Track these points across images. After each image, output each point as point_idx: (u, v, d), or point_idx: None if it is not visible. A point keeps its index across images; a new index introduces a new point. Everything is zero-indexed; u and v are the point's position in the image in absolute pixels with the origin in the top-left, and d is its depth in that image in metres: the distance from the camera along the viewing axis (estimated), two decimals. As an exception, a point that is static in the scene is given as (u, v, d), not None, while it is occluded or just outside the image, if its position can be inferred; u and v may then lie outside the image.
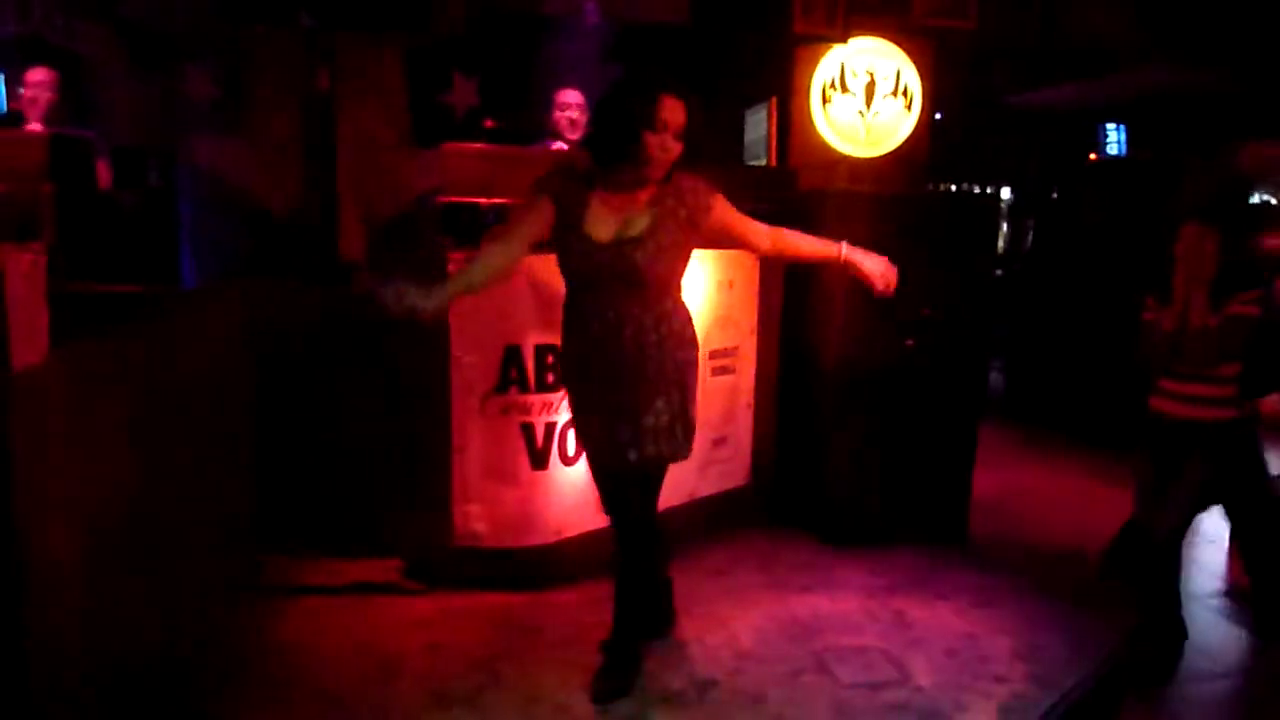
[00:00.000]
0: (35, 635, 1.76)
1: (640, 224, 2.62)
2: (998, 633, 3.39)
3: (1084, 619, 3.52)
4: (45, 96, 3.85)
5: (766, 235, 2.88)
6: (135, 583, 2.32)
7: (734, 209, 2.78)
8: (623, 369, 2.65)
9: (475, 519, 3.50)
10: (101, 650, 2.11)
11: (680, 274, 2.75)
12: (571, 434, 3.55)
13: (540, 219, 2.65)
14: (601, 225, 2.63)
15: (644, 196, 2.65)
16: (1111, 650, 3.28)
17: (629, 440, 2.69)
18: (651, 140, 2.53)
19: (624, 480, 2.81)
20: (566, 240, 2.66)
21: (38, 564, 1.76)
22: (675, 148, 2.57)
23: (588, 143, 2.74)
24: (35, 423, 1.75)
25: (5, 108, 4.31)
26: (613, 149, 2.59)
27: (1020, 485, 5.30)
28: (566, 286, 2.76)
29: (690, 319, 2.81)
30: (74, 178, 3.39)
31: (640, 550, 2.90)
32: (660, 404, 2.69)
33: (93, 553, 2.05)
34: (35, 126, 3.89)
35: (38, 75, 3.84)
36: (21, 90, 3.86)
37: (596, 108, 2.73)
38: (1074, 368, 6.76)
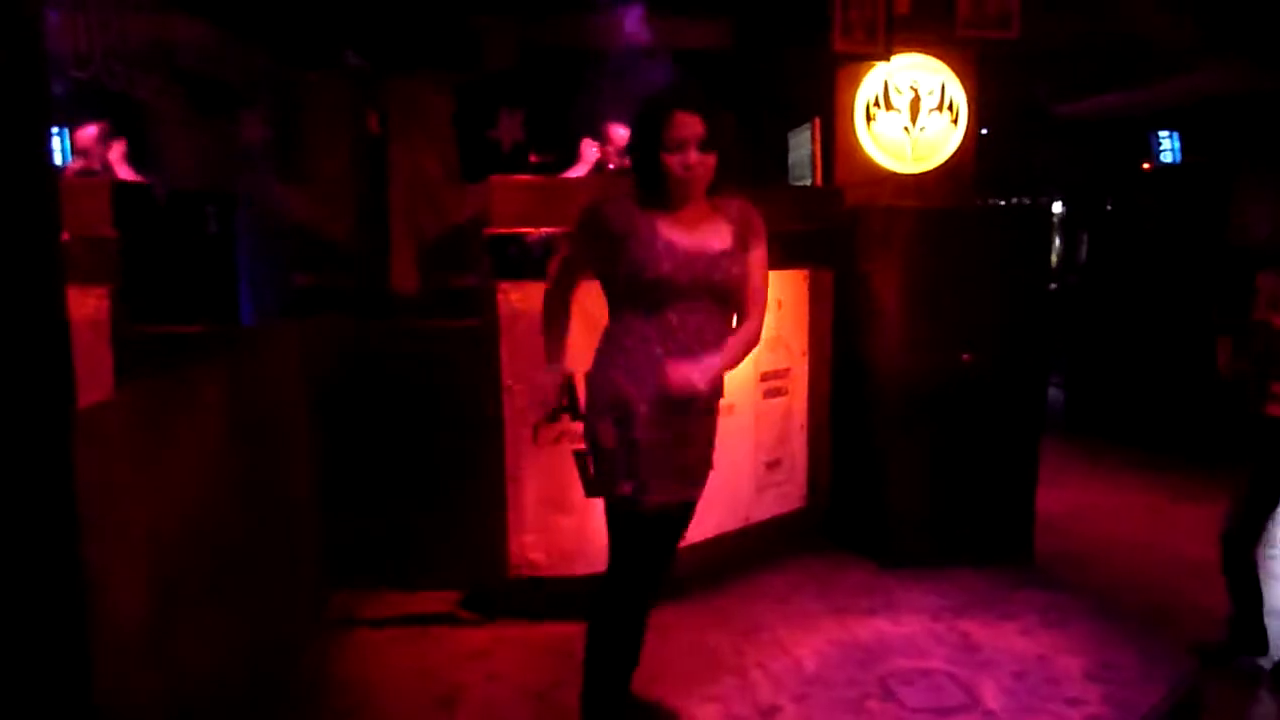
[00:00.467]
0: (102, 668, 1.79)
1: (723, 236, 2.48)
2: (1068, 653, 3.29)
3: (1157, 637, 3.41)
4: (99, 151, 3.96)
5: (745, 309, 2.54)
6: (203, 617, 2.36)
7: (765, 264, 2.58)
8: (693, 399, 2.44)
9: (531, 548, 3.51)
10: (170, 685, 2.14)
11: None
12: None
13: (583, 261, 2.58)
14: (682, 235, 2.45)
15: (706, 212, 2.50)
16: (1188, 669, 3.17)
17: (690, 476, 2.54)
18: (671, 160, 2.40)
19: (671, 521, 2.59)
20: (632, 255, 2.43)
21: (105, 598, 1.79)
22: (702, 160, 2.41)
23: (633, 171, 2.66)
24: (100, 459, 1.79)
25: (69, 159, 4.46)
26: (643, 175, 2.49)
27: (1084, 502, 5.17)
28: (622, 308, 2.53)
29: None
30: (136, 223, 3.49)
31: (649, 602, 2.68)
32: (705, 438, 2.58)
33: (160, 587, 2.08)
34: (126, 172, 4.00)
35: (85, 138, 3.94)
36: (83, 155, 3.96)
37: (628, 137, 2.67)
38: (1136, 380, 6.60)
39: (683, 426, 2.48)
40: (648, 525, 2.51)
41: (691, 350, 2.41)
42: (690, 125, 2.39)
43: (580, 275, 2.63)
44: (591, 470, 2.54)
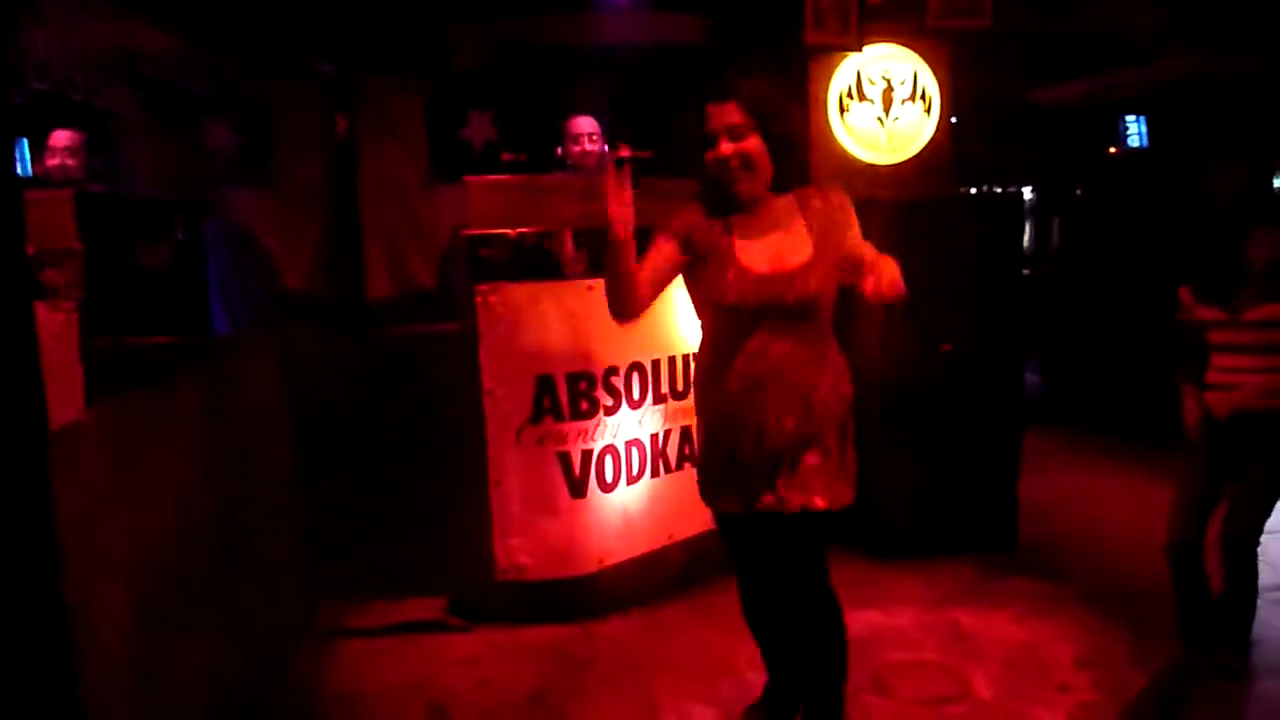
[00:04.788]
0: (88, 697, 1.75)
1: (801, 243, 2.37)
2: (1057, 640, 3.31)
3: (1144, 622, 3.43)
4: (73, 161, 3.89)
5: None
6: (188, 637, 2.31)
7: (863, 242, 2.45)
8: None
9: (517, 552, 3.47)
10: (158, 700, 2.09)
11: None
12: (609, 460, 3.53)
13: (661, 258, 2.39)
14: (756, 253, 2.35)
15: (781, 213, 2.39)
16: (1178, 652, 3.18)
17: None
18: (707, 158, 2.32)
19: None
20: (709, 279, 2.37)
21: (87, 618, 1.74)
22: (737, 148, 2.27)
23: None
24: (76, 481, 1.74)
25: (30, 171, 4.36)
26: (704, 182, 2.40)
27: (1066, 488, 5.19)
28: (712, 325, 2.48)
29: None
30: (102, 235, 3.42)
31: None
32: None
33: (143, 605, 2.04)
34: (98, 188, 3.93)
35: (62, 139, 3.88)
36: (46, 155, 3.89)
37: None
38: (1111, 365, 6.64)
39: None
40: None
41: (784, 374, 2.34)
42: (718, 116, 2.28)
43: (646, 270, 2.37)
44: None
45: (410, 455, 3.52)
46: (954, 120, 4.67)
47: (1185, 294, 3.21)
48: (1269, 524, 3.11)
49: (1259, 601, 3.29)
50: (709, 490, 2.52)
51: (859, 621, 3.44)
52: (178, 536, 2.27)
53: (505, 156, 5.67)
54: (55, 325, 3.22)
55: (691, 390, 2.54)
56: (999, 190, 10.20)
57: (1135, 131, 9.46)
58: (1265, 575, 3.89)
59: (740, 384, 2.35)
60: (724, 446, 2.42)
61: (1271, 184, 7.35)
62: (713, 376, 2.44)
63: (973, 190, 10.24)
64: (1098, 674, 3.07)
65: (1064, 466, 5.64)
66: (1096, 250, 7.21)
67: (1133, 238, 6.77)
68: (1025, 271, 9.38)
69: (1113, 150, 9.10)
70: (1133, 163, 8.20)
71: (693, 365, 2.55)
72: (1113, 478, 5.43)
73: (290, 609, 3.32)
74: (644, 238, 3.27)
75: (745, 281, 2.32)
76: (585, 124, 4.44)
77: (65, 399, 2.99)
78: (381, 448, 3.53)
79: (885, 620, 3.47)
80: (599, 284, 3.43)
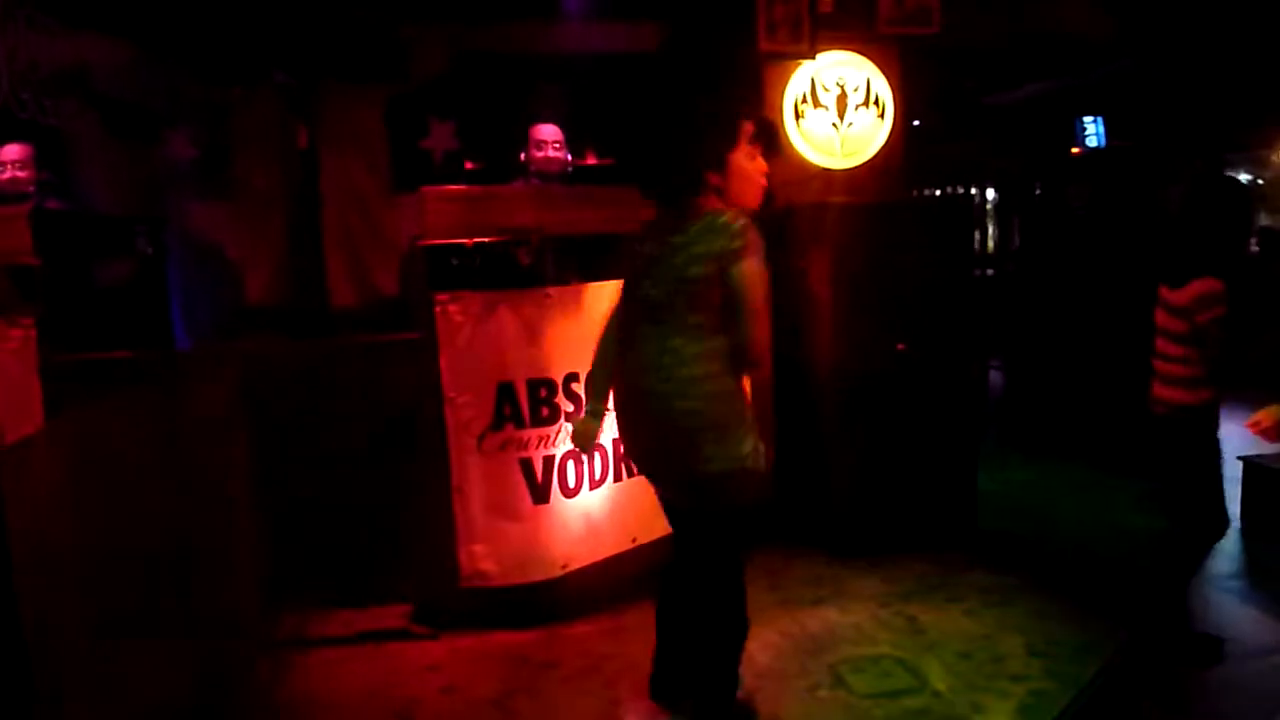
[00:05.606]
0: (42, 709, 1.76)
1: None
2: (1011, 631, 3.38)
3: (1097, 611, 3.51)
4: (24, 174, 3.87)
5: None
6: (143, 647, 2.32)
7: None
8: None
9: (481, 558, 3.50)
10: (112, 711, 2.11)
11: None
12: (571, 465, 3.57)
13: None
14: None
15: None
16: (1127, 640, 3.26)
17: None
18: (761, 172, 2.68)
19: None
20: None
21: (42, 634, 1.76)
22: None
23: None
24: (31, 495, 1.76)
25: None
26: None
27: (1026, 482, 5.29)
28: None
29: None
30: (59, 251, 3.42)
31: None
32: None
33: (97, 615, 2.05)
34: (55, 204, 3.92)
35: (12, 153, 3.86)
36: None
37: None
38: (1072, 362, 6.74)
39: None
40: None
41: None
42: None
43: None
44: None
45: (374, 464, 3.53)
46: (916, 124, 4.75)
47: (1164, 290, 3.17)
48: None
49: (1212, 590, 3.38)
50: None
51: (817, 619, 3.53)
52: (133, 547, 2.28)
53: (467, 165, 5.71)
54: (13, 342, 3.23)
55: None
56: (958, 191, 10.35)
57: (1094, 131, 9.63)
58: (1219, 564, 4.03)
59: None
60: None
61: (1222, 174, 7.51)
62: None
63: (936, 192, 10.40)
64: (1050, 663, 3.14)
65: (1022, 462, 5.75)
66: (1055, 250, 7.32)
67: (1091, 237, 6.88)
68: (988, 271, 9.55)
69: (1075, 150, 9.26)
70: (1090, 163, 8.34)
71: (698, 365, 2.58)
72: (1069, 471, 5.54)
73: (249, 618, 3.33)
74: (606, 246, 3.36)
75: None
76: (548, 131, 4.50)
77: (24, 414, 3.00)
78: (344, 456, 3.54)
79: (843, 617, 3.53)
80: (557, 292, 3.52)
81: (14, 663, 1.69)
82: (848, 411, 4.11)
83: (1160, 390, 3.17)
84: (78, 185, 4.20)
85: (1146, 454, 3.26)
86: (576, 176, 4.86)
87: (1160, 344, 3.17)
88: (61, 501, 1.95)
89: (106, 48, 3.96)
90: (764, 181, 2.62)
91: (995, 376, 7.54)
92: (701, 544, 2.67)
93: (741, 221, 2.44)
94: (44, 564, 1.82)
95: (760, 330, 2.45)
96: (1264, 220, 9.52)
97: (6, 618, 1.68)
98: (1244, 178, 9.30)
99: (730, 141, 2.54)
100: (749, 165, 2.58)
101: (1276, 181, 10.86)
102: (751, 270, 2.42)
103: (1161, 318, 3.15)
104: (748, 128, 2.58)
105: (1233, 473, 3.81)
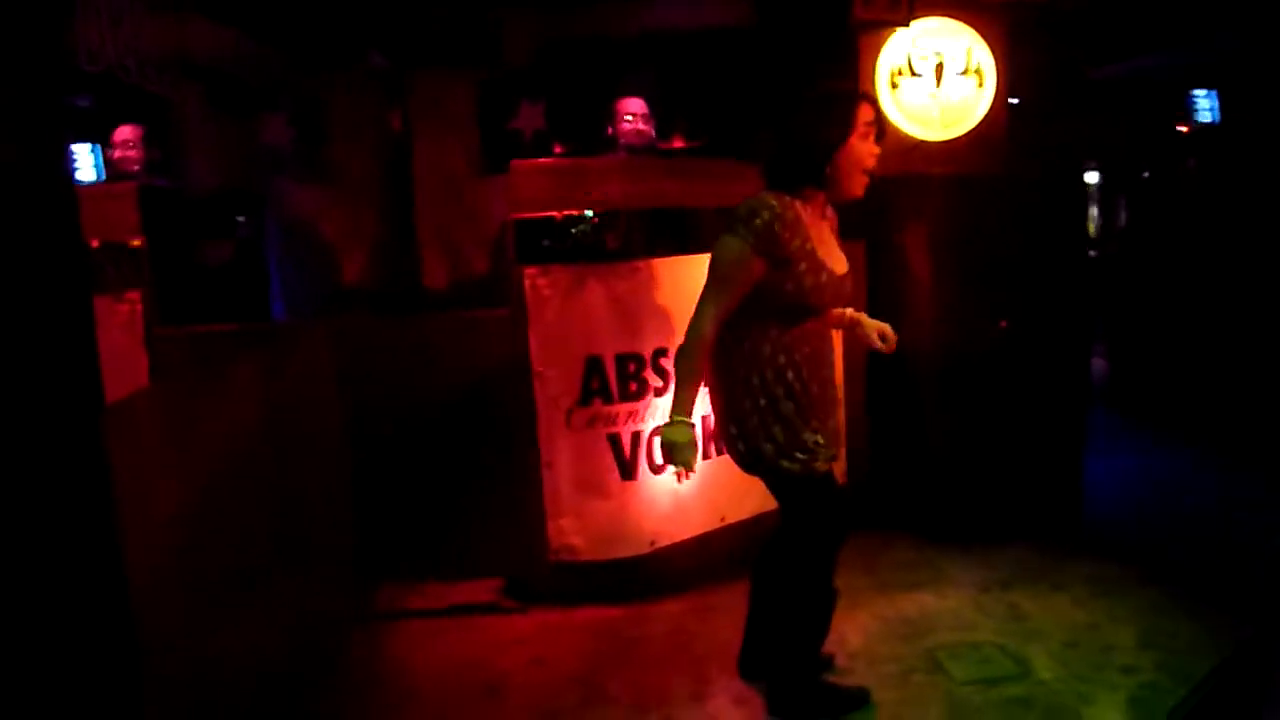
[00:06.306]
0: (149, 662, 1.80)
1: (840, 253, 2.59)
2: (1120, 621, 3.22)
3: (1216, 605, 3.32)
4: (133, 154, 4.01)
5: None
6: (240, 612, 2.37)
7: None
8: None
9: (569, 533, 3.49)
10: (211, 678, 2.15)
11: None
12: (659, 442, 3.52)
13: (747, 284, 2.43)
14: (828, 256, 2.50)
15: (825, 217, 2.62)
16: (1252, 636, 3.07)
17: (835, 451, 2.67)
18: (868, 155, 2.51)
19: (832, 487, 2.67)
20: (800, 284, 2.43)
21: (142, 591, 1.80)
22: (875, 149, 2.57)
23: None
24: (131, 453, 1.80)
25: (104, 176, 4.52)
26: (817, 177, 2.50)
27: (1132, 470, 5.05)
28: (781, 316, 2.49)
29: None
30: (164, 228, 3.53)
31: None
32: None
33: (197, 580, 2.09)
34: (162, 182, 4.07)
35: (124, 133, 4.01)
36: (111, 151, 4.02)
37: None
38: (1180, 351, 6.43)
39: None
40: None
41: (828, 356, 2.60)
42: (866, 114, 2.46)
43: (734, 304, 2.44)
44: None
45: (464, 439, 3.56)
46: (1015, 101, 4.56)
47: None
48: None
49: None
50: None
51: (913, 603, 3.42)
52: (232, 512, 2.33)
53: (556, 148, 5.72)
54: (121, 316, 3.36)
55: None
56: (1060, 167, 9.95)
57: (1207, 106, 9.15)
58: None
59: (811, 367, 2.51)
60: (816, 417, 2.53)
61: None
62: (785, 359, 2.48)
63: (1037, 171, 10.02)
64: (1163, 656, 2.98)
65: (1129, 449, 5.49)
66: (1164, 232, 6.98)
67: (1204, 218, 6.54)
68: (1092, 252, 9.17)
69: (1184, 128, 8.81)
70: (1202, 139, 7.93)
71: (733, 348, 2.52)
72: (1178, 460, 5.27)
73: (343, 588, 3.39)
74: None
75: (832, 283, 2.48)
76: (634, 104, 4.57)
77: (130, 382, 3.11)
78: (435, 433, 3.57)
79: (940, 603, 3.41)
80: (646, 265, 3.48)
81: (120, 621, 1.73)
82: (946, 391, 3.97)
83: None
84: (182, 164, 4.34)
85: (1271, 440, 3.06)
86: (665, 160, 4.84)
87: None
88: (164, 462, 2.00)
89: (209, 29, 4.07)
90: (873, 164, 2.49)
91: (1097, 362, 7.23)
92: (781, 512, 2.69)
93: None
94: (144, 524, 1.86)
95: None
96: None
97: (113, 577, 1.72)
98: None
99: (845, 130, 2.44)
100: (861, 148, 2.45)
101: None
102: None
103: None
104: (865, 113, 2.46)
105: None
